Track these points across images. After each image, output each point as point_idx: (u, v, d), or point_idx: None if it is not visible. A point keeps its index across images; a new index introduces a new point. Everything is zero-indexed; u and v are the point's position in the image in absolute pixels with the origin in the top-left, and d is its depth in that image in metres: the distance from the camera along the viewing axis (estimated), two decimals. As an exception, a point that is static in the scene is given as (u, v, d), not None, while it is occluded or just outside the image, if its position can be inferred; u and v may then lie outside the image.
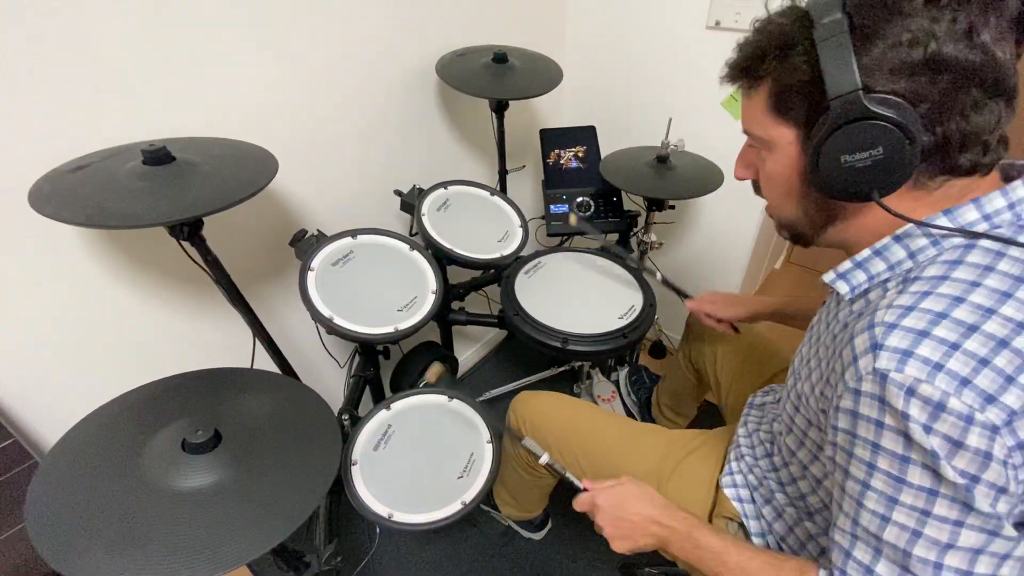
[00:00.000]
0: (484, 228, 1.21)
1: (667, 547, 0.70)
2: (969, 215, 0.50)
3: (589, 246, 1.37)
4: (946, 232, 0.50)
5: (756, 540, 0.77)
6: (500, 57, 1.18)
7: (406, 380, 1.27)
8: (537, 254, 1.28)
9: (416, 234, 1.16)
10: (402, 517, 0.80)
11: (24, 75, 0.70)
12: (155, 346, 0.98)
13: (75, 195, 0.66)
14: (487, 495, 0.85)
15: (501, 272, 1.23)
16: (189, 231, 0.75)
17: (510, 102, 1.27)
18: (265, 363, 0.97)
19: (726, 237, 1.62)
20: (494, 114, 1.28)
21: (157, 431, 0.69)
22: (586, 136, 1.45)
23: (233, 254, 0.92)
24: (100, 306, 0.88)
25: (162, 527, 0.60)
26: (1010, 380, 0.43)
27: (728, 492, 0.81)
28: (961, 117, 0.46)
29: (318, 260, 0.96)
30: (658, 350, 1.88)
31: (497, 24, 1.38)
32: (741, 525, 0.79)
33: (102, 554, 0.57)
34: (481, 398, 1.62)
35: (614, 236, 1.46)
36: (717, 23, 1.34)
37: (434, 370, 1.15)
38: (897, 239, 0.54)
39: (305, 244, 1.00)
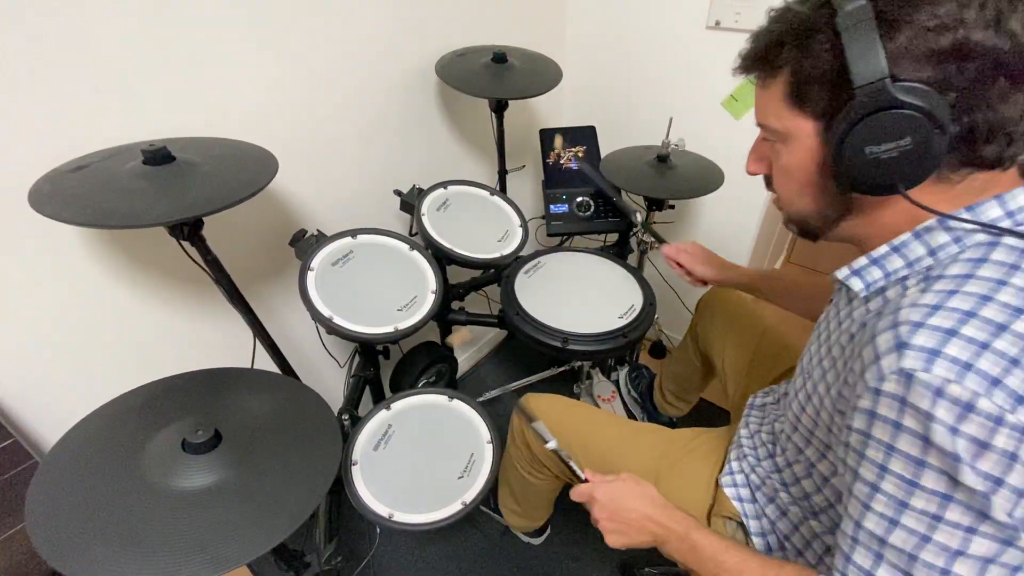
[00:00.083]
0: (484, 228, 1.21)
1: (663, 546, 0.70)
2: (992, 211, 0.49)
3: (589, 246, 1.37)
4: (972, 228, 0.49)
5: (756, 540, 0.77)
6: (500, 57, 1.18)
7: (406, 380, 1.27)
8: (537, 254, 1.28)
9: (416, 234, 1.16)
10: (402, 517, 0.80)
11: (24, 75, 0.70)
12: (155, 346, 0.98)
13: (75, 195, 0.66)
14: (489, 498, 0.84)
15: (501, 272, 1.23)
16: (189, 231, 0.75)
17: (510, 102, 1.27)
18: (265, 363, 0.97)
19: (726, 237, 1.62)
20: (494, 114, 1.28)
21: (157, 431, 0.69)
22: (586, 136, 1.45)
23: (233, 254, 0.92)
24: (100, 306, 0.88)
25: (162, 527, 0.60)
26: None
27: (728, 491, 0.81)
28: (988, 107, 0.45)
29: (318, 260, 0.96)
30: (658, 350, 1.89)
31: (497, 24, 1.38)
32: (740, 524, 0.79)
33: (102, 554, 0.57)
34: (481, 398, 1.62)
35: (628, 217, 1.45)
36: (717, 23, 1.34)
37: (460, 335, 1.11)
38: (917, 235, 0.52)
39: (305, 244, 1.00)
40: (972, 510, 0.45)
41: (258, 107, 0.96)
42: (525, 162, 1.63)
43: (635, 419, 1.58)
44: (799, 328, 1.03)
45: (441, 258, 1.11)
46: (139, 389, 0.78)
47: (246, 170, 0.77)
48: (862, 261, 0.57)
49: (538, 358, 1.79)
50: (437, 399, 0.98)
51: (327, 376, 1.31)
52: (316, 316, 0.90)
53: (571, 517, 1.38)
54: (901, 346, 0.46)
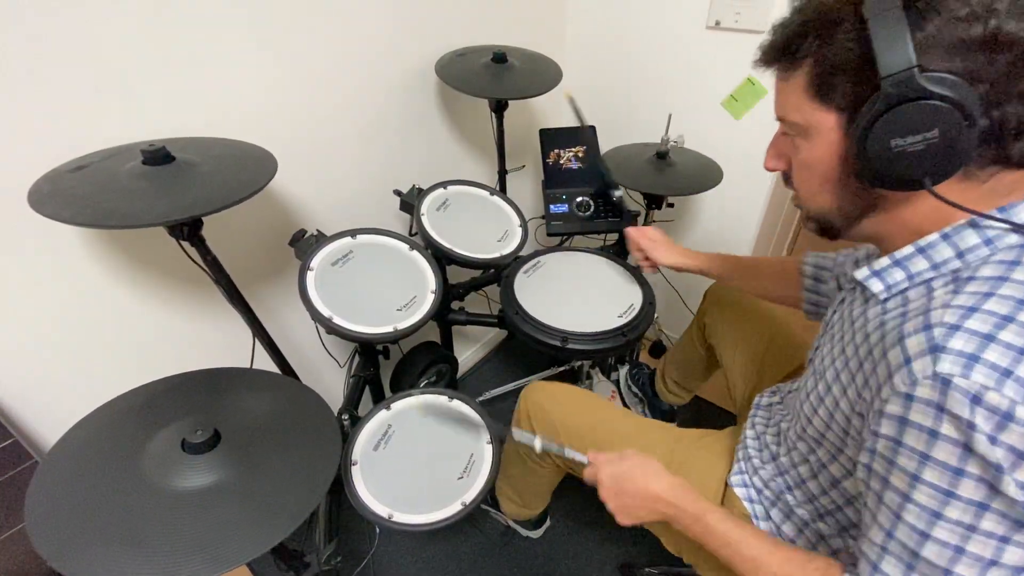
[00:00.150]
0: (484, 228, 1.21)
1: (673, 524, 0.69)
2: None
3: (589, 246, 1.37)
4: (1005, 229, 0.47)
5: None
6: (500, 57, 1.18)
7: (406, 380, 1.27)
8: (536, 253, 1.28)
9: (416, 234, 1.16)
10: (402, 517, 0.80)
11: (24, 75, 0.70)
12: (155, 346, 0.98)
13: (75, 195, 0.66)
14: (488, 494, 0.85)
15: (501, 272, 1.23)
16: (189, 231, 0.75)
17: (510, 102, 1.27)
18: (265, 363, 0.97)
19: (726, 237, 1.62)
20: (494, 114, 1.28)
21: (157, 431, 0.69)
22: (586, 136, 1.45)
23: (233, 254, 0.92)
24: (100, 306, 0.88)
25: (162, 527, 0.60)
26: None
27: (739, 492, 0.80)
28: (1019, 100, 0.44)
29: (318, 260, 0.96)
30: (658, 349, 1.88)
31: (497, 24, 1.38)
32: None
33: (102, 554, 0.57)
34: (481, 398, 1.62)
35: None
36: (717, 23, 1.34)
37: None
38: (945, 236, 0.51)
39: (305, 244, 1.00)
40: (1008, 519, 0.43)
41: (258, 107, 0.96)
42: (525, 162, 1.63)
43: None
44: (809, 323, 1.02)
45: (441, 258, 1.11)
46: (139, 389, 0.78)
47: (246, 170, 0.77)
48: (884, 262, 0.56)
49: (538, 358, 1.79)
50: (437, 399, 0.98)
51: (327, 376, 1.31)
52: (316, 316, 0.90)
53: (571, 515, 1.38)
54: (936, 349, 0.44)
